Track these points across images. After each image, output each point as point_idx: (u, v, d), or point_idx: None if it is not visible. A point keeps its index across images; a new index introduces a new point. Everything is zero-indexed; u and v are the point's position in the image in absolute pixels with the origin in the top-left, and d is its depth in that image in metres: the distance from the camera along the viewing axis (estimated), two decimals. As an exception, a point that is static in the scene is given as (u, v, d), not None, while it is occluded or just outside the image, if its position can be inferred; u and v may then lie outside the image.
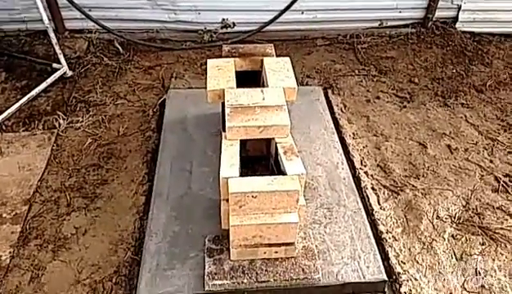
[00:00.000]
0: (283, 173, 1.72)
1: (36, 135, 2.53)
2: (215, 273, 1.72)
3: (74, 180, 2.28)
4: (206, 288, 1.70)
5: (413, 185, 2.34)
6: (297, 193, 1.62)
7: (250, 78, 2.22)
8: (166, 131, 2.46)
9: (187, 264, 1.80)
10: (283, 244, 1.74)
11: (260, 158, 2.12)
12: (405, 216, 2.18)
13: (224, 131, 1.83)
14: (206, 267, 1.74)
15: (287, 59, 2.20)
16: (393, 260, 1.93)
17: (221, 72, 2.08)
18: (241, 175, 1.73)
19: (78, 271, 1.88)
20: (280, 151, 1.76)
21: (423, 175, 2.40)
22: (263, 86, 2.15)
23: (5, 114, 2.61)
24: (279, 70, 2.11)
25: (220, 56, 2.26)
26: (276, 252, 1.76)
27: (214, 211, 1.96)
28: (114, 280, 1.82)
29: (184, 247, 1.86)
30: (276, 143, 1.81)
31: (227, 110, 1.83)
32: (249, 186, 1.61)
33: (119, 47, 3.30)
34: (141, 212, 2.10)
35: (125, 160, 2.40)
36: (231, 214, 1.66)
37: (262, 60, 2.19)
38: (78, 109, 2.73)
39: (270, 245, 1.74)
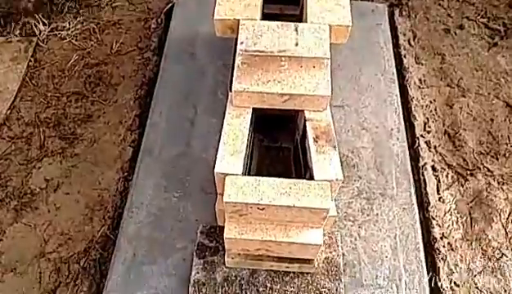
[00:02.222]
0: (309, 170, 1.14)
1: (11, 43, 1.96)
2: (203, 284, 1.28)
3: (51, 113, 1.78)
4: (190, 301, 1.29)
5: (488, 169, 1.69)
6: (325, 211, 1.06)
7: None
8: (168, 55, 1.82)
9: (172, 259, 1.35)
10: (298, 260, 1.25)
11: (284, 119, 1.51)
12: (469, 214, 1.59)
13: (231, 90, 1.21)
14: (193, 272, 1.29)
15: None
16: (444, 282, 1.42)
17: (242, -16, 1.36)
18: (249, 156, 1.17)
19: (45, 240, 1.49)
20: (310, 134, 1.15)
21: (504, 155, 1.73)
22: (302, 12, 1.43)
23: (-22, 8, 2.04)
24: (327, -10, 1.35)
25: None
26: (288, 267, 1.28)
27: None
28: (82, 263, 1.42)
29: (171, 233, 1.40)
30: (304, 119, 1.19)
31: (238, 59, 1.18)
32: (254, 194, 1.05)
33: None
34: (126, 170, 1.61)
35: (116, 90, 1.84)
36: (227, 221, 1.15)
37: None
38: (65, 10, 2.07)
39: (279, 259, 1.25)
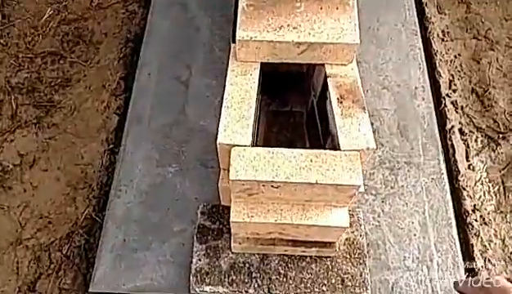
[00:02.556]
0: (332, 137, 0.93)
1: (-27, -3, 1.69)
2: (206, 273, 1.09)
3: (23, 77, 1.53)
4: (192, 292, 1.10)
5: (523, 131, 1.49)
6: (355, 188, 0.86)
7: None
8: (156, 7, 1.56)
9: (169, 244, 1.15)
10: (316, 244, 1.06)
11: (294, 78, 1.28)
12: (502, 183, 1.39)
13: (234, 42, 0.97)
14: (194, 260, 1.10)
15: None
16: (478, 260, 1.24)
17: None
18: (256, 130, 0.95)
19: (21, 224, 1.28)
20: (333, 94, 0.93)
21: (541, 115, 1.53)
22: None
23: None
24: None
25: None
26: (304, 252, 1.09)
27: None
28: (64, 251, 1.22)
29: (166, 213, 1.20)
30: (325, 75, 0.96)
31: (243, 1, 0.94)
32: (267, 169, 0.84)
33: None
34: (111, 141, 1.38)
35: (98, 49, 1.58)
36: (233, 202, 0.94)
37: None
38: (35, -44, 1.80)
39: (295, 243, 1.06)
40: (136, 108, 1.36)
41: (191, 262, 1.09)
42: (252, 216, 0.93)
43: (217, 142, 0.85)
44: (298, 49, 0.90)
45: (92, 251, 1.21)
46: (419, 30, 1.56)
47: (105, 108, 1.45)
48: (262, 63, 0.95)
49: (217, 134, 0.86)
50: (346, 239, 1.12)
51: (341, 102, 0.90)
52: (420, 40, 1.54)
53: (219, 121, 0.87)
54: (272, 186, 0.85)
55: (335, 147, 0.88)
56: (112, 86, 1.46)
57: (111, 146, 1.36)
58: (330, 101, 0.91)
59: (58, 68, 1.54)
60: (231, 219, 0.92)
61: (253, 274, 1.08)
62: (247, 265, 1.09)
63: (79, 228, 1.24)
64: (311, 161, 0.84)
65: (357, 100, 0.90)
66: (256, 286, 1.07)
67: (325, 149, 0.96)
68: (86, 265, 1.20)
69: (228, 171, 0.91)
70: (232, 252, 1.10)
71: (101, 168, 1.34)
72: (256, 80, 0.93)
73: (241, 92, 0.91)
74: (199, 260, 1.09)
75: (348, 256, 1.10)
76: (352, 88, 0.92)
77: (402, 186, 1.26)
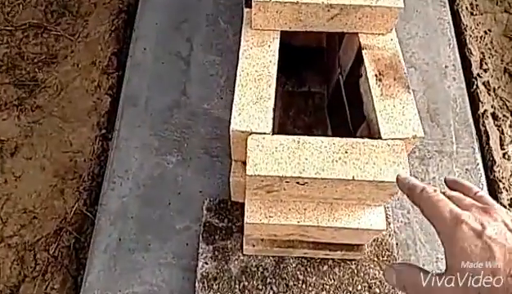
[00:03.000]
0: (369, 123, 0.77)
1: None
2: (214, 279, 0.94)
3: (3, 52, 1.34)
4: (197, 301, 0.95)
5: (562, 115, 1.34)
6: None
7: None
8: (153, -26, 1.37)
9: (171, 244, 1.00)
10: (343, 246, 0.91)
11: (313, 51, 1.11)
12: (541, 173, 1.26)
13: (248, 6, 0.80)
14: (200, 263, 0.95)
15: None
16: (518, 260, 1.11)
17: None
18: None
19: (2, 220, 1.12)
20: (370, 69, 0.76)
21: None
22: None
23: None
24: None
25: None
26: (327, 255, 0.94)
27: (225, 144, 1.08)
28: (51, 250, 1.07)
29: (167, 209, 1.05)
30: (359, 46, 0.79)
31: (259, -44, 0.76)
32: (292, 162, 0.68)
33: None
34: (103, 126, 1.22)
35: (86, 22, 1.40)
36: (249, 199, 0.78)
37: None
38: None
39: (317, 245, 0.91)
40: (130, 88, 1.18)
41: (197, 265, 0.94)
42: (270, 217, 0.77)
43: (231, 129, 0.69)
44: (329, 13, 0.73)
45: (82, 252, 1.05)
46: (447, 2, 1.39)
47: (96, 88, 1.27)
48: (281, 32, 0.78)
49: (230, 119, 0.69)
50: (373, 240, 0.97)
51: (380, 79, 0.73)
52: (449, 13, 1.36)
53: (232, 102, 0.71)
54: (298, 183, 0.69)
55: (373, 135, 0.72)
56: (103, 63, 1.28)
57: (103, 131, 1.19)
58: (366, 78, 0.74)
59: (42, 42, 1.36)
60: (246, 220, 0.77)
61: (268, 280, 0.93)
62: (261, 269, 0.94)
63: (68, 224, 1.08)
64: (345, 152, 0.68)
65: (399, 76, 0.74)
66: (271, 293, 0.92)
67: (355, 136, 0.80)
68: (76, 267, 1.04)
69: (243, 163, 0.75)
70: (244, 254, 0.95)
71: (93, 156, 1.17)
72: (276, 53, 0.76)
73: (258, 67, 0.74)
74: (206, 263, 0.94)
75: (376, 259, 0.96)
76: (393, 63, 0.75)
77: (434, 178, 1.10)
